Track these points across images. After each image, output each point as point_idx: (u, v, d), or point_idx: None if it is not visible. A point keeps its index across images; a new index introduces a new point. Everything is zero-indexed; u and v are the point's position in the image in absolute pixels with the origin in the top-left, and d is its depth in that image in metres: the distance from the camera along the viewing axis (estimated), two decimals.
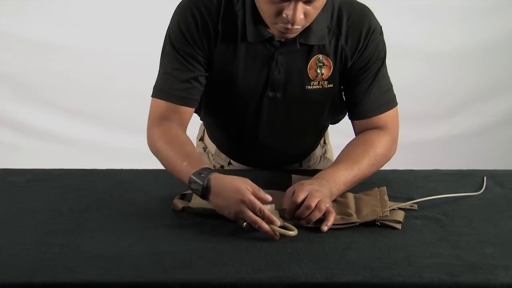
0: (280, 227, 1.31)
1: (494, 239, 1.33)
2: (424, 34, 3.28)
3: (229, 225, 1.35)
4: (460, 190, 1.53)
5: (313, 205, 1.33)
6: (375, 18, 1.54)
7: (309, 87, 1.53)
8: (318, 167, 1.80)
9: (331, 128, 1.82)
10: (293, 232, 1.31)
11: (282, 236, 1.31)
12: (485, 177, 1.61)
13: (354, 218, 1.38)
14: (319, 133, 1.78)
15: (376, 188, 1.49)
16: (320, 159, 1.84)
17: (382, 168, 1.59)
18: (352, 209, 1.41)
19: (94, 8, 3.16)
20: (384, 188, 1.48)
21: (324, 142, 1.86)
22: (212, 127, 1.75)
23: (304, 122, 1.64)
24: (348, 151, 1.54)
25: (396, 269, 1.21)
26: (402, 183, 1.59)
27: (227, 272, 1.19)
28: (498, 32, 3.31)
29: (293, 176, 1.56)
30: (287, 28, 1.38)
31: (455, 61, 3.34)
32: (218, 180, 1.36)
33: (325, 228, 1.34)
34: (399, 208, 1.42)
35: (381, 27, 1.55)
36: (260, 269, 1.20)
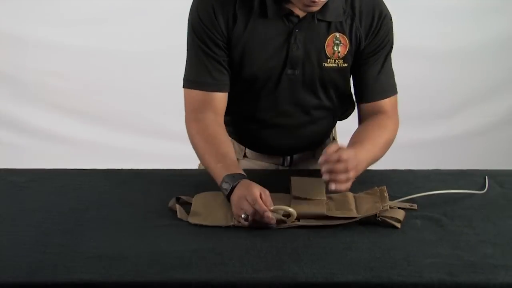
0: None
1: (494, 239, 1.33)
2: (424, 34, 3.27)
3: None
4: (460, 190, 1.53)
5: (350, 168, 1.38)
6: (386, 6, 1.61)
7: (326, 64, 1.58)
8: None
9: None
10: (291, 217, 1.34)
11: (282, 236, 1.31)
12: (486, 177, 1.61)
13: (355, 213, 1.38)
14: (332, 118, 1.77)
15: (376, 187, 1.49)
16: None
17: (382, 168, 1.62)
18: (352, 206, 1.41)
19: (95, 8, 3.16)
20: (384, 187, 1.48)
21: (333, 139, 1.87)
22: (226, 113, 1.74)
23: (319, 102, 1.66)
24: (366, 133, 1.59)
25: (396, 268, 1.21)
26: (402, 183, 1.59)
27: (227, 272, 1.19)
28: (499, 32, 3.31)
29: (292, 178, 1.55)
30: (312, 1, 1.42)
31: (455, 61, 3.33)
32: (244, 182, 1.39)
33: (333, 186, 1.38)
34: (400, 208, 1.42)
35: (391, 15, 1.61)
36: (260, 269, 1.20)
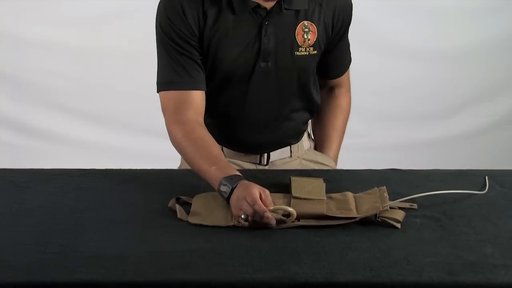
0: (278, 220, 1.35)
1: (494, 238, 1.33)
2: (424, 34, 3.27)
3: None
4: (460, 190, 1.53)
5: None
6: None
7: (297, 53, 1.61)
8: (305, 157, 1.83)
9: None
10: (291, 217, 1.34)
11: (282, 236, 1.31)
12: (486, 177, 1.61)
13: (355, 213, 1.38)
14: (306, 111, 1.78)
15: (376, 188, 1.49)
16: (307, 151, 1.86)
17: (382, 168, 1.63)
18: (352, 206, 1.42)
19: (95, 8, 3.16)
20: (384, 187, 1.48)
21: (309, 135, 1.88)
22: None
23: (292, 93, 1.69)
24: (334, 124, 1.82)
25: (395, 268, 1.21)
26: (402, 183, 1.59)
27: (227, 272, 1.19)
28: (498, 32, 3.31)
29: (292, 178, 1.54)
30: None
31: (454, 61, 3.33)
32: (243, 183, 1.38)
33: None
34: (400, 208, 1.42)
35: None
36: (260, 269, 1.20)
